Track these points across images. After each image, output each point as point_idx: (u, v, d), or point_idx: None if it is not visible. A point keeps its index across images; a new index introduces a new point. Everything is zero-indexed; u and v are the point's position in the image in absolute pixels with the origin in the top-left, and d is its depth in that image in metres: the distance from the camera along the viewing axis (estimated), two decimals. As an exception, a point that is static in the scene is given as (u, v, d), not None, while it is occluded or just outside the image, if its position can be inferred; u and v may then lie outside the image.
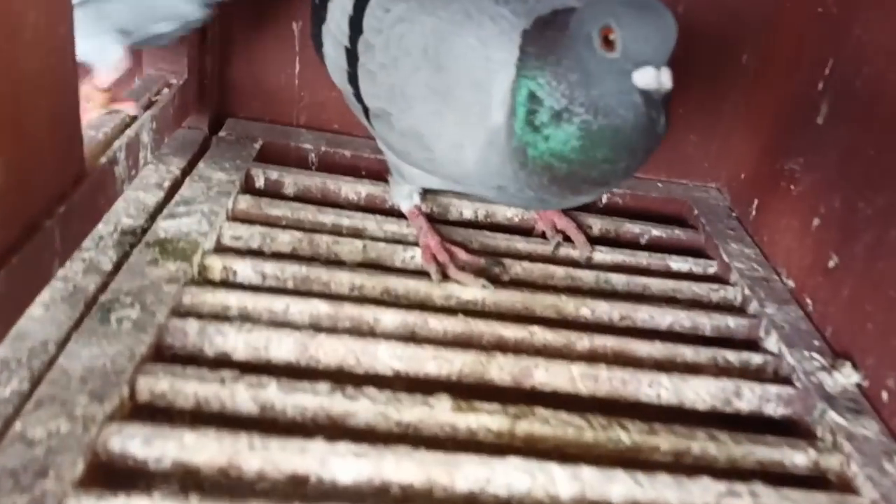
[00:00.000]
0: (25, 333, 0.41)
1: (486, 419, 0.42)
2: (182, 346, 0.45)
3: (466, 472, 0.38)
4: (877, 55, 0.52)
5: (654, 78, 0.42)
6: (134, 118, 0.55)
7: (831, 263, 0.54)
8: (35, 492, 0.33)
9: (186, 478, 0.37)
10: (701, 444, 0.43)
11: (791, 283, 0.59)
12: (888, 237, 0.48)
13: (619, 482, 0.39)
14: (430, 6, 0.50)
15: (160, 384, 0.41)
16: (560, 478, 0.39)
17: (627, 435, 0.43)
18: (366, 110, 0.56)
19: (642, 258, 0.63)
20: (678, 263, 0.63)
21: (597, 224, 0.67)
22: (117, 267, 0.49)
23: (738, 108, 0.72)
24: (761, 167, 0.67)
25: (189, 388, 0.41)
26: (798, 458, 0.43)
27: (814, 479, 0.43)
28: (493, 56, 0.47)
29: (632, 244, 0.66)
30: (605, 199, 0.72)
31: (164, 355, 0.44)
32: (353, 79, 0.55)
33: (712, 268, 0.63)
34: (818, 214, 0.57)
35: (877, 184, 0.50)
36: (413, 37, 0.50)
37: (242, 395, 0.41)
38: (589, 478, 0.39)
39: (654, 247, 0.66)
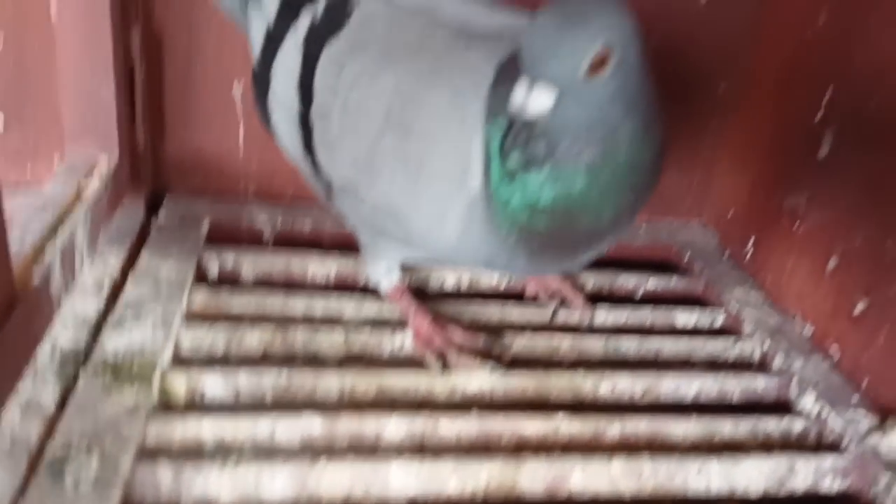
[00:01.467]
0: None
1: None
2: (155, 499, 0.37)
3: None
4: (887, 83, 0.48)
5: (521, 96, 0.36)
6: (66, 213, 0.46)
7: (859, 308, 0.50)
8: None
9: None
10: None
11: (810, 330, 0.55)
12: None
13: None
14: (392, 59, 0.43)
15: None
16: None
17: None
18: (327, 185, 0.49)
19: (646, 315, 0.58)
20: (684, 317, 0.58)
21: (589, 280, 0.61)
22: (62, 403, 0.40)
23: (718, 140, 0.69)
24: (755, 203, 0.64)
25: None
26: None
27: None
28: (467, 114, 0.41)
29: (629, 298, 0.61)
30: (590, 249, 0.67)
31: (136, 512, 0.36)
32: (309, 150, 0.49)
33: (720, 318, 0.59)
34: (835, 254, 0.53)
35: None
36: (375, 98, 0.44)
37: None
38: None
39: (653, 299, 0.61)
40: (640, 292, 0.62)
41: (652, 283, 0.62)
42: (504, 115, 0.39)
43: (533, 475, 0.41)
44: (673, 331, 0.57)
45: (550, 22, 0.36)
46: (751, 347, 0.55)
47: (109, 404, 0.40)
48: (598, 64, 0.36)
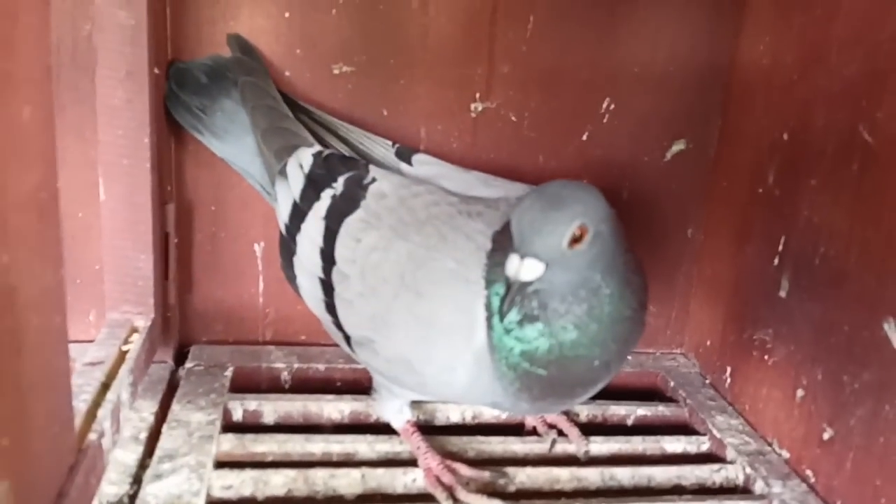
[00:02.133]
0: None
1: None
2: None
3: None
4: (831, 236, 0.56)
5: (514, 266, 0.43)
6: (113, 376, 0.52)
7: (826, 436, 0.55)
8: None
9: None
10: None
11: (786, 455, 0.60)
12: (883, 412, 0.50)
13: None
14: (403, 231, 0.51)
15: None
16: None
17: None
18: (347, 337, 0.55)
19: (637, 444, 0.63)
20: (672, 445, 0.63)
21: (583, 411, 0.67)
22: (111, 550, 0.45)
23: (690, 278, 0.76)
24: (728, 336, 0.70)
25: None
26: None
27: None
28: (471, 276, 0.48)
29: (620, 426, 0.66)
30: (581, 381, 0.72)
31: None
32: (331, 308, 0.55)
33: (705, 445, 0.64)
34: (801, 386, 0.59)
35: (859, 360, 0.52)
36: (389, 264, 0.51)
37: None
38: None
39: (643, 427, 0.66)
40: (631, 420, 0.67)
41: (641, 411, 0.68)
42: (501, 279, 0.45)
43: None
44: (663, 457, 0.62)
45: (535, 205, 0.44)
46: (734, 473, 0.60)
47: (155, 551, 0.44)
48: (577, 239, 0.43)
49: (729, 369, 0.69)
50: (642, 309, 0.49)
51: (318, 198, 0.55)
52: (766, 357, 0.64)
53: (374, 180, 0.55)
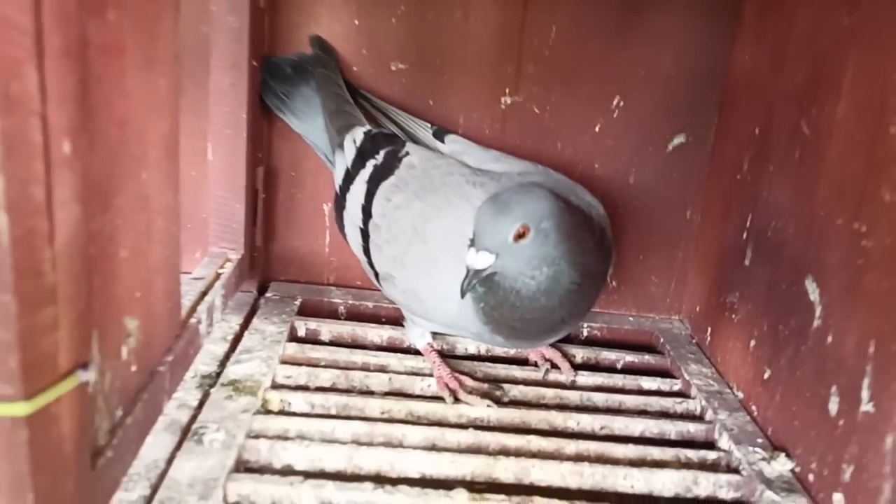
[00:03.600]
0: (144, 455, 0.54)
1: (496, 506, 0.54)
2: (257, 460, 0.58)
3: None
4: (779, 212, 0.68)
5: (471, 257, 0.57)
6: (210, 286, 0.70)
7: (766, 375, 0.68)
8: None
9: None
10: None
11: (740, 395, 0.72)
12: (800, 352, 0.62)
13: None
14: (421, 194, 0.67)
15: (245, 488, 0.53)
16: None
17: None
18: (376, 274, 0.72)
19: (618, 380, 0.76)
20: (648, 383, 0.76)
21: (580, 353, 0.81)
22: (201, 404, 0.62)
23: (687, 254, 0.88)
24: (711, 301, 0.82)
25: (266, 490, 0.53)
26: (743, 528, 0.55)
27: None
28: (466, 231, 0.62)
29: (610, 369, 0.80)
30: (585, 333, 0.86)
31: (244, 467, 0.57)
32: (366, 251, 0.72)
33: (677, 385, 0.76)
34: (753, 337, 0.71)
35: (789, 310, 0.64)
36: (407, 219, 0.67)
37: (307, 494, 0.54)
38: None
39: (629, 370, 0.80)
40: (620, 364, 0.81)
41: (629, 358, 0.81)
42: None
43: (505, 468, 0.59)
44: (637, 391, 0.75)
45: (489, 209, 0.58)
46: (693, 406, 0.72)
47: (231, 406, 0.62)
48: (520, 235, 0.57)
49: (709, 329, 0.82)
50: (590, 280, 0.62)
51: (363, 166, 0.72)
52: (733, 316, 0.76)
53: (407, 154, 0.71)
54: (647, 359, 0.81)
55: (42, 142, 0.31)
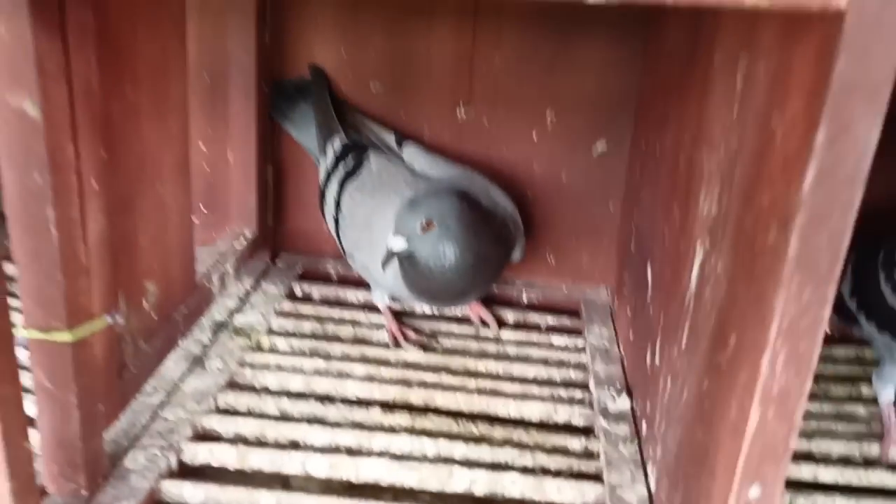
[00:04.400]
0: (162, 374, 0.80)
1: (406, 418, 0.78)
2: (245, 381, 0.83)
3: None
4: (643, 210, 0.88)
5: (390, 241, 0.79)
6: (224, 257, 0.96)
7: (631, 337, 0.88)
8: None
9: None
10: (518, 434, 0.77)
11: (622, 352, 0.93)
12: (641, 320, 0.82)
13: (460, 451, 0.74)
14: (372, 191, 0.90)
15: (229, 399, 0.79)
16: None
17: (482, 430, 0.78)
18: (344, 251, 0.95)
19: (535, 337, 0.98)
20: (558, 340, 0.98)
21: (512, 315, 1.03)
22: (211, 342, 0.88)
23: (611, 238, 1.08)
24: (619, 276, 1.02)
25: (243, 401, 0.79)
26: (574, 443, 0.77)
27: (586, 455, 0.76)
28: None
29: (534, 328, 1.01)
30: (525, 299, 1.08)
31: (237, 385, 0.82)
32: (338, 235, 0.95)
33: (580, 343, 0.97)
34: (630, 306, 0.91)
35: (641, 288, 0.84)
36: (361, 212, 0.90)
37: (270, 405, 0.79)
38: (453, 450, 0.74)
39: (549, 329, 1.01)
40: (543, 325, 1.02)
41: (550, 321, 1.02)
42: None
43: (418, 395, 0.83)
44: (546, 345, 0.97)
45: (406, 205, 0.80)
46: (584, 358, 0.93)
47: (233, 344, 0.88)
48: (427, 226, 0.79)
49: (615, 299, 1.02)
50: (486, 261, 0.83)
51: (337, 168, 0.95)
52: (624, 290, 0.96)
53: (368, 160, 0.94)
54: (566, 322, 1.03)
55: (77, 184, 0.56)
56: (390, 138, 1.02)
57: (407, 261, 0.82)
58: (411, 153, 0.98)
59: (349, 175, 0.95)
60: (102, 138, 0.60)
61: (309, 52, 1.04)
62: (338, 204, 0.94)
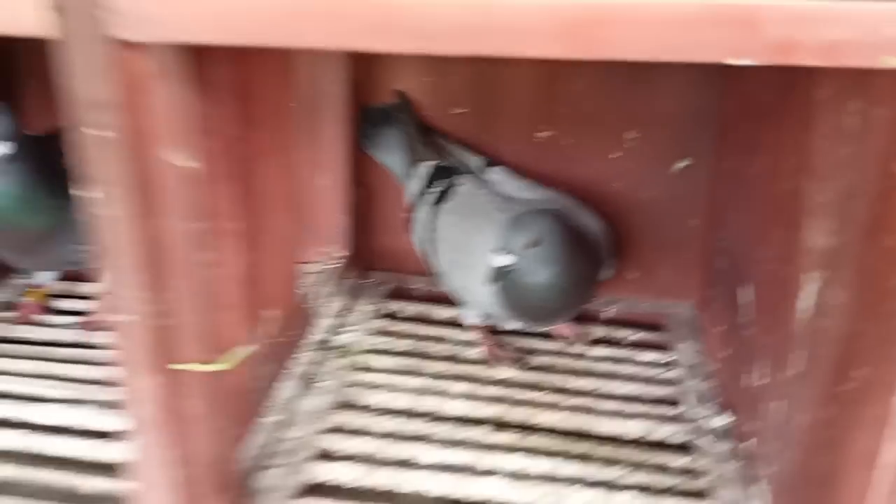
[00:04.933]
0: (277, 394, 0.85)
1: (511, 436, 0.81)
2: (353, 400, 0.87)
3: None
4: (733, 230, 0.89)
5: (495, 259, 0.83)
6: (323, 278, 1.00)
7: (726, 354, 0.90)
8: (293, 459, 0.75)
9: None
10: (620, 453, 0.80)
11: (714, 367, 0.95)
12: (738, 340, 0.84)
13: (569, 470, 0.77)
14: (463, 216, 0.93)
15: (341, 419, 0.83)
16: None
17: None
18: (436, 272, 0.99)
19: (621, 352, 1.00)
20: (645, 355, 1.00)
21: (598, 331, 1.05)
22: (317, 362, 0.93)
23: (691, 253, 1.09)
24: (704, 293, 1.04)
25: (355, 420, 0.83)
26: (677, 461, 0.79)
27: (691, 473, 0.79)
28: (491, 245, 0.88)
29: (618, 343, 1.04)
30: (608, 315, 1.10)
31: (346, 404, 0.86)
32: (429, 255, 0.99)
33: (667, 359, 1.00)
34: (721, 324, 0.93)
35: (732, 308, 0.86)
36: (456, 233, 0.94)
37: (384, 424, 0.83)
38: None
39: (634, 345, 1.03)
40: (627, 340, 1.05)
41: (635, 336, 1.05)
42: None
43: (517, 413, 0.86)
44: (632, 361, 0.99)
45: (513, 224, 0.83)
46: (674, 374, 0.96)
47: (337, 364, 0.92)
48: (532, 244, 0.82)
49: (703, 315, 1.04)
50: (581, 280, 0.86)
51: (428, 192, 0.99)
52: (714, 306, 0.98)
53: (460, 185, 0.97)
54: (651, 336, 1.05)
55: (222, 228, 0.60)
56: (473, 161, 1.05)
57: (508, 278, 0.85)
58: (500, 176, 1.01)
59: (440, 198, 0.98)
60: (240, 183, 0.65)
61: (394, 79, 1.08)
62: (430, 226, 0.98)
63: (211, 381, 0.61)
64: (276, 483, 0.72)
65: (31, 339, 0.99)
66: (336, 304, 1.06)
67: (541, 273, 0.83)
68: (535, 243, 0.82)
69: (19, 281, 1.12)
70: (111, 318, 0.53)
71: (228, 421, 0.65)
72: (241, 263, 0.67)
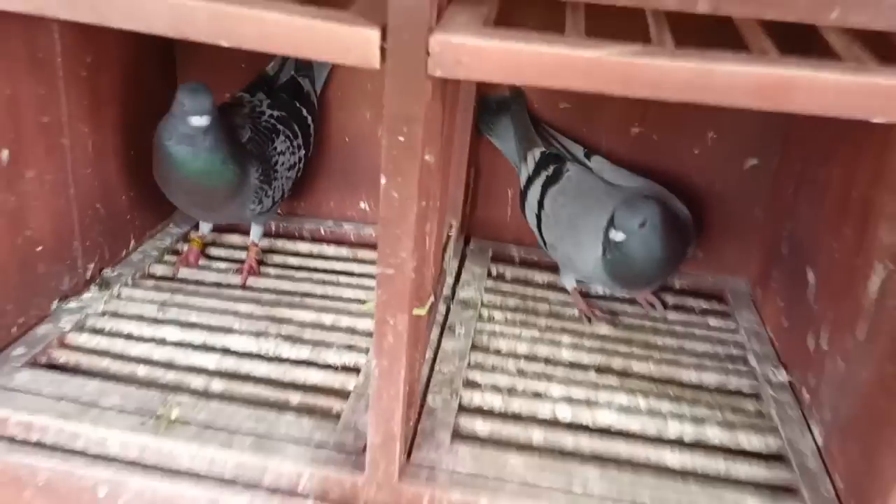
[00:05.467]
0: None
1: (615, 380, 1.01)
2: (484, 344, 1.07)
3: (602, 397, 0.98)
4: (801, 221, 1.09)
5: (612, 234, 1.02)
6: (448, 243, 1.20)
7: (784, 324, 1.10)
8: (451, 387, 0.95)
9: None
10: (704, 397, 1.00)
11: (771, 334, 1.15)
12: (798, 311, 1.04)
13: (666, 407, 0.97)
14: (574, 197, 1.12)
15: (484, 359, 1.03)
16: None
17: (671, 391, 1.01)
18: (545, 242, 1.18)
19: (694, 318, 1.20)
20: (713, 322, 1.20)
21: (672, 299, 1.25)
22: (448, 312, 1.12)
23: (754, 238, 1.29)
24: (764, 271, 1.24)
25: (488, 360, 1.03)
26: (749, 405, 1.00)
27: (760, 415, 0.99)
28: (600, 224, 1.07)
29: (690, 310, 1.24)
30: (678, 285, 1.30)
31: (479, 347, 1.06)
32: (539, 229, 1.18)
33: (732, 325, 1.20)
34: (782, 298, 1.13)
35: (797, 285, 1.06)
36: (565, 213, 1.12)
37: (510, 365, 1.02)
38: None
39: (703, 312, 1.23)
40: (697, 308, 1.24)
41: (704, 305, 1.24)
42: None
43: (618, 362, 1.06)
44: (705, 326, 1.19)
45: (627, 207, 1.02)
46: (739, 338, 1.15)
47: (464, 313, 1.11)
48: (642, 225, 1.01)
49: (760, 290, 1.24)
50: (674, 254, 1.06)
51: (539, 175, 1.18)
52: (771, 283, 1.18)
53: (568, 170, 1.16)
54: (717, 306, 1.25)
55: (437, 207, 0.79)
56: (577, 150, 1.23)
57: (618, 251, 1.04)
58: (600, 164, 1.20)
59: (550, 180, 1.17)
60: (443, 170, 0.83)
61: (510, 74, 1.25)
62: (541, 204, 1.17)
63: (419, 323, 0.80)
64: (444, 404, 0.92)
65: (204, 280, 1.18)
66: (454, 265, 1.25)
67: (646, 249, 1.02)
68: (643, 224, 1.01)
69: (176, 230, 1.30)
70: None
71: (419, 353, 0.85)
72: (436, 231, 0.86)
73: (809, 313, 1.01)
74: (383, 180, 0.67)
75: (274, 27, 0.62)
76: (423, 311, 0.79)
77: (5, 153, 0.91)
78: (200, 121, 0.99)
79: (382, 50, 0.62)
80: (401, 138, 0.65)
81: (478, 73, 0.62)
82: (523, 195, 1.22)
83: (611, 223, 1.03)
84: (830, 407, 0.90)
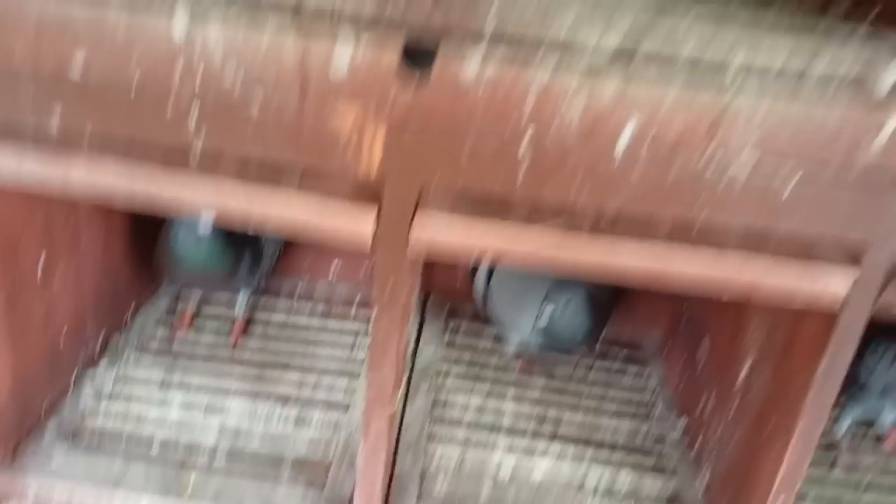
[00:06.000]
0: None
1: (549, 426, 1.25)
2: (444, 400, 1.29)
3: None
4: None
5: None
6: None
7: (685, 378, 1.35)
8: (418, 443, 1.17)
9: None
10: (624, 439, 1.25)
11: (675, 385, 1.40)
12: (695, 370, 1.29)
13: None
14: (509, 283, 1.35)
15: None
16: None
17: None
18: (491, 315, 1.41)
19: (617, 364, 1.45)
20: (632, 368, 1.45)
21: (597, 348, 1.49)
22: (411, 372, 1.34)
23: (664, 300, 1.54)
24: (671, 327, 1.49)
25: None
26: (655, 449, 1.25)
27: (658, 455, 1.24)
28: (537, 300, 1.31)
29: (615, 357, 1.48)
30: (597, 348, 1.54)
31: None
32: (484, 304, 1.41)
33: (647, 371, 1.44)
34: (685, 354, 1.38)
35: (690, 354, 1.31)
36: (507, 295, 1.35)
37: (465, 419, 1.25)
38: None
39: (625, 359, 1.48)
40: (621, 356, 1.49)
41: (626, 352, 1.49)
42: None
43: (551, 412, 1.29)
44: (623, 372, 1.44)
45: (552, 290, 1.25)
46: (652, 384, 1.41)
47: (428, 371, 1.33)
48: (566, 304, 1.24)
49: (669, 340, 1.49)
50: (593, 330, 1.30)
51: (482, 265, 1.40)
52: (678, 334, 1.43)
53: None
54: (635, 354, 1.49)
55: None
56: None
57: (550, 325, 1.27)
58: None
59: (492, 270, 1.39)
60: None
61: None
62: (488, 282, 1.39)
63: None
64: (410, 463, 1.14)
65: (200, 342, 1.37)
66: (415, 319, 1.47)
67: (572, 324, 1.26)
68: (567, 304, 1.24)
69: (169, 288, 1.49)
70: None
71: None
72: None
73: (704, 374, 1.26)
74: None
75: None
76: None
77: (42, 258, 1.08)
78: (207, 223, 1.18)
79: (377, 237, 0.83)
80: (385, 300, 0.86)
81: (449, 254, 0.83)
82: (471, 277, 1.44)
83: (544, 299, 1.26)
84: (715, 456, 1.16)
